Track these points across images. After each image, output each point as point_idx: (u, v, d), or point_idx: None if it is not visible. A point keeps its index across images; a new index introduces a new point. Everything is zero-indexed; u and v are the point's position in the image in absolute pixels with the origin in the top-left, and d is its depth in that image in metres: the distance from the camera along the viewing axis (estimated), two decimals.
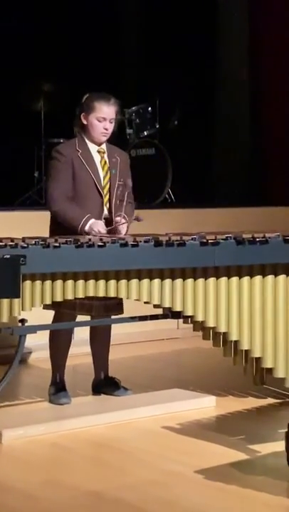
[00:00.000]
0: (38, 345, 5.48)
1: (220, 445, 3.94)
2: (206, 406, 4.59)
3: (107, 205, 4.57)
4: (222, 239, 4.22)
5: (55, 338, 4.66)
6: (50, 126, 7.86)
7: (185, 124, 8.18)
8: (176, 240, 4.15)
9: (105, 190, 4.57)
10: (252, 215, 7.11)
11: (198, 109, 8.48)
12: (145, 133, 7.83)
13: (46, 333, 4.68)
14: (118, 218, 4.53)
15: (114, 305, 4.59)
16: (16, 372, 4.22)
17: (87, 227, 4.41)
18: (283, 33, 8.08)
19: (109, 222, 4.55)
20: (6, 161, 7.91)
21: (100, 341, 4.75)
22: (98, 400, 4.70)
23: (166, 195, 7.73)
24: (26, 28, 8.42)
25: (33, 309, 4.05)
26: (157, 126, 7.90)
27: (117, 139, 7.77)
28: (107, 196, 4.57)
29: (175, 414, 4.44)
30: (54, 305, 4.29)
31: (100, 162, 4.61)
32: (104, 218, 4.55)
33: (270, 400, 4.71)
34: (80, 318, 4.68)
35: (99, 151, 4.62)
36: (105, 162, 4.62)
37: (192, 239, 4.18)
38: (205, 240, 4.19)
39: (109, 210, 4.58)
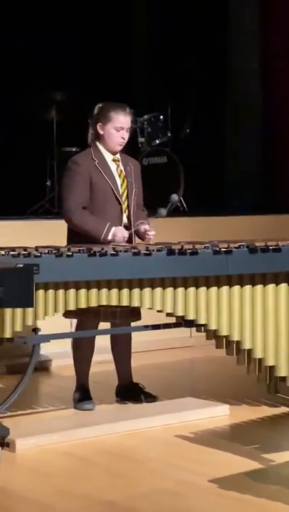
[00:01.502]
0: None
1: (234, 454, 3.92)
2: (219, 415, 4.57)
3: (126, 212, 4.60)
4: (235, 247, 4.21)
5: (79, 346, 4.69)
6: (63, 135, 7.88)
7: (197, 133, 8.18)
8: (189, 249, 4.14)
9: (123, 198, 4.61)
10: (264, 223, 7.09)
11: (209, 117, 8.48)
12: (157, 141, 7.84)
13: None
14: (147, 226, 4.59)
15: (137, 310, 4.59)
16: (31, 380, 4.22)
17: (110, 236, 4.44)
18: None
19: (128, 229, 4.59)
20: (18, 170, 7.94)
21: (121, 347, 4.78)
22: (112, 409, 4.69)
23: (178, 204, 7.72)
24: (38, 38, 8.45)
25: (48, 318, 4.05)
26: (169, 135, 7.91)
27: (128, 148, 7.80)
28: (126, 203, 4.61)
29: (188, 423, 4.43)
30: (76, 313, 4.31)
31: (116, 170, 4.64)
32: (123, 225, 4.58)
33: (284, 409, 4.68)
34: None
35: (114, 160, 4.66)
36: (121, 170, 4.65)
37: (205, 247, 4.17)
38: (218, 249, 4.18)
39: (128, 217, 4.61)
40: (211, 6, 8.67)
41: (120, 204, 4.58)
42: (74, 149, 7.76)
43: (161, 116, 7.89)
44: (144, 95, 8.84)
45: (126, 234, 4.50)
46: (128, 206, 4.61)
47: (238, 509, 3.31)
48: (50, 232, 5.48)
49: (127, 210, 4.61)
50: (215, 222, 7.02)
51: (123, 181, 4.63)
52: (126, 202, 4.61)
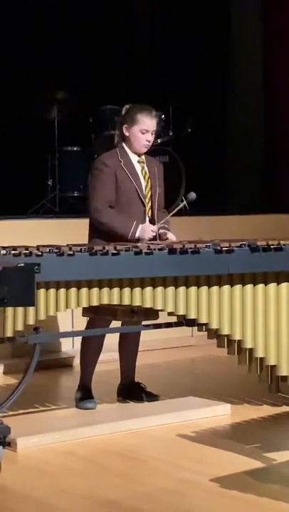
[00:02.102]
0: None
1: (235, 453, 3.92)
2: (220, 414, 4.57)
3: (149, 213, 4.68)
4: (236, 246, 4.21)
5: (87, 345, 4.71)
6: (64, 134, 7.88)
7: (198, 132, 8.17)
8: (191, 248, 4.14)
9: (147, 199, 4.67)
10: (266, 223, 7.09)
11: (211, 116, 8.48)
12: (158, 140, 7.83)
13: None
14: (169, 235, 4.66)
15: (153, 310, 4.59)
16: (32, 379, 4.22)
17: (137, 234, 4.51)
18: None
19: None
20: (19, 169, 7.93)
21: (129, 347, 4.81)
22: (113, 408, 4.69)
23: (180, 203, 7.72)
24: (39, 37, 8.45)
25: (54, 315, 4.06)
26: (171, 134, 7.90)
27: None
28: (149, 205, 4.68)
29: (190, 423, 4.43)
30: (93, 311, 4.33)
31: (141, 172, 4.70)
32: None
33: (286, 408, 4.68)
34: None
35: (139, 161, 4.72)
36: (146, 172, 4.71)
37: (206, 246, 4.17)
38: (219, 248, 4.18)
39: (151, 218, 4.68)
40: (213, 5, 8.67)
41: (144, 205, 4.65)
42: (75, 148, 7.77)
43: (163, 116, 7.88)
44: (145, 95, 8.79)
45: (154, 228, 4.56)
46: (151, 207, 4.68)
47: (239, 508, 3.31)
48: (52, 232, 5.50)
49: (150, 211, 4.68)
50: (216, 221, 7.02)
51: (147, 183, 4.70)
52: (149, 203, 4.68)
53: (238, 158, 8.53)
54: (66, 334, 4.71)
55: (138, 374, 4.89)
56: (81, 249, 4.02)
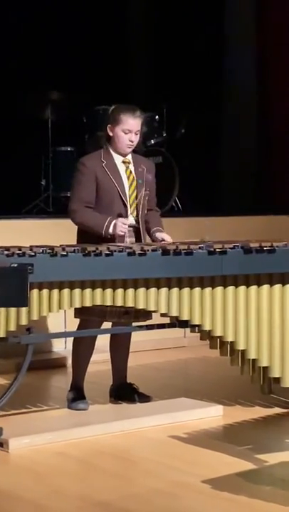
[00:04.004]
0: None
1: (227, 455, 3.93)
2: (213, 415, 4.57)
3: (134, 214, 4.62)
4: (229, 248, 4.21)
5: (79, 346, 4.70)
6: (58, 134, 7.88)
7: (192, 133, 8.18)
8: (184, 249, 4.15)
9: (131, 200, 4.64)
10: (259, 224, 7.10)
11: (205, 117, 8.48)
12: (152, 141, 7.84)
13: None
14: (164, 235, 4.64)
15: (144, 311, 4.59)
16: (25, 380, 4.22)
17: (111, 229, 4.47)
18: None
19: (137, 230, 4.62)
20: (13, 169, 7.92)
21: (120, 348, 4.80)
22: (105, 409, 4.69)
23: (173, 204, 7.73)
24: (33, 37, 8.44)
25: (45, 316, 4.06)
26: (164, 135, 7.90)
27: None
28: (134, 206, 4.63)
29: (182, 424, 4.43)
30: (83, 313, 4.32)
31: (125, 172, 4.67)
32: (131, 227, 4.61)
33: (278, 410, 4.69)
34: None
35: (124, 162, 4.70)
36: (130, 172, 4.68)
37: (199, 248, 4.18)
38: (212, 249, 4.19)
39: (136, 219, 4.65)
40: (208, 6, 8.67)
41: (126, 206, 4.61)
42: (69, 148, 7.76)
43: (157, 117, 7.89)
44: (139, 95, 8.82)
45: (126, 221, 4.53)
46: (136, 208, 4.64)
47: (231, 510, 3.31)
48: (45, 232, 5.49)
49: (135, 212, 4.64)
50: (210, 222, 7.02)
51: (132, 183, 4.66)
52: (134, 204, 4.64)
53: (232, 159, 8.54)
54: (59, 335, 4.71)
55: (130, 375, 4.88)
56: (74, 249, 4.02)
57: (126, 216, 4.60)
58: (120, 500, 3.42)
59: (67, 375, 5.21)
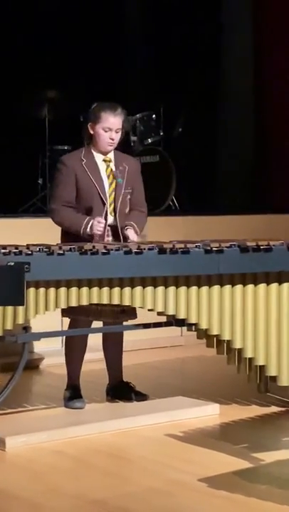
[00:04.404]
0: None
1: (224, 453, 3.93)
2: (209, 414, 4.57)
3: (113, 213, 4.58)
4: (226, 247, 4.21)
5: (71, 344, 4.69)
6: (55, 133, 7.87)
7: (189, 132, 8.18)
8: (181, 248, 4.14)
9: (111, 199, 4.59)
10: (256, 223, 7.10)
11: (202, 116, 8.48)
12: (149, 140, 7.84)
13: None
14: (129, 232, 4.53)
15: (129, 310, 4.59)
16: (22, 378, 4.22)
17: (89, 229, 4.45)
18: (287, 43, 8.09)
19: (116, 229, 4.57)
20: (10, 168, 7.92)
21: (113, 347, 4.79)
22: (102, 407, 4.69)
23: (170, 203, 7.73)
24: (31, 35, 8.43)
25: (40, 316, 4.05)
26: (161, 134, 7.91)
27: (121, 146, 7.76)
28: (113, 205, 4.59)
29: (178, 422, 4.43)
30: (70, 312, 4.31)
31: (106, 171, 4.62)
32: (110, 226, 4.57)
33: (274, 408, 4.69)
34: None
35: (105, 160, 4.64)
36: (111, 170, 4.63)
37: (196, 246, 4.18)
38: (209, 248, 4.19)
39: (116, 218, 4.60)
40: (204, 6, 8.67)
41: (105, 205, 4.56)
42: (66, 147, 7.76)
43: (154, 115, 7.90)
44: (136, 94, 8.83)
45: (102, 220, 4.47)
46: (115, 208, 4.58)
47: (227, 508, 3.31)
48: (42, 231, 5.48)
49: (114, 212, 4.59)
50: (206, 221, 7.03)
51: (112, 182, 4.61)
52: (113, 203, 4.59)
53: (228, 158, 8.54)
54: (55, 334, 4.71)
55: (127, 373, 4.89)
56: (71, 248, 4.02)
57: (105, 215, 4.55)
58: (116, 498, 3.42)
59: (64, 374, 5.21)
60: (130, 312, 4.60)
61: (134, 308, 4.57)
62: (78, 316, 4.53)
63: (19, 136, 8.06)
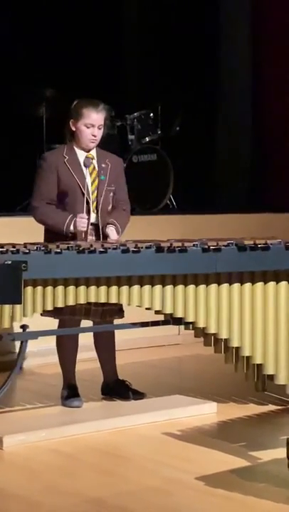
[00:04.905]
0: (37, 351, 5.50)
1: (221, 452, 3.93)
2: (207, 412, 4.58)
3: (95, 211, 4.57)
4: (224, 245, 4.21)
5: (62, 344, 4.68)
6: (52, 131, 7.86)
7: (187, 130, 8.17)
8: (178, 246, 4.15)
9: (93, 197, 4.58)
10: (253, 222, 7.11)
11: (199, 115, 8.48)
12: (147, 139, 7.83)
13: (46, 339, 4.68)
14: (112, 234, 4.50)
15: (115, 310, 4.59)
16: (18, 378, 4.21)
17: (72, 227, 4.43)
18: (285, 41, 8.09)
19: (98, 228, 4.55)
20: (7, 166, 7.91)
21: (104, 346, 4.78)
22: (99, 406, 4.69)
23: (168, 201, 7.72)
24: (28, 34, 8.43)
25: (34, 315, 4.05)
26: (159, 133, 7.90)
27: (118, 145, 7.77)
28: (96, 202, 4.57)
29: (176, 421, 4.43)
30: (54, 311, 4.30)
31: (88, 168, 4.59)
32: (92, 224, 4.55)
33: (272, 407, 4.70)
34: (83, 323, 4.70)
35: (87, 157, 4.61)
36: (94, 168, 4.61)
37: (194, 245, 4.18)
38: (207, 247, 4.19)
39: (97, 216, 4.57)
40: (202, 4, 8.67)
41: (88, 203, 4.54)
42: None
43: (151, 114, 7.88)
44: (134, 93, 8.83)
45: (84, 216, 4.44)
46: (97, 205, 4.57)
47: (225, 507, 3.32)
48: (39, 229, 5.47)
49: (96, 209, 4.56)
50: (204, 220, 7.03)
51: (94, 179, 4.59)
52: (96, 201, 4.57)
53: (226, 156, 8.54)
54: (52, 332, 4.70)
55: (124, 372, 4.89)
56: (68, 247, 4.02)
57: (88, 213, 4.52)
58: (114, 497, 3.42)
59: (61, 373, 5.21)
60: (115, 311, 4.58)
61: (121, 307, 4.56)
62: (64, 316, 4.51)
63: (17, 135, 8.05)
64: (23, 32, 8.43)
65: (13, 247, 3.95)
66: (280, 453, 3.73)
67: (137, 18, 9.30)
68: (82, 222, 4.44)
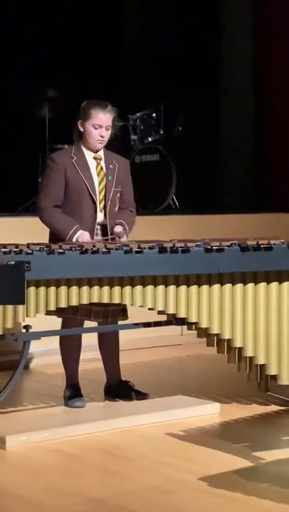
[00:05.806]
0: (40, 351, 5.50)
1: (224, 452, 3.93)
2: (209, 413, 4.58)
3: (103, 211, 4.58)
4: (226, 246, 4.22)
5: (65, 344, 4.69)
6: (55, 132, 7.87)
7: (189, 130, 8.18)
8: (181, 247, 4.15)
9: (100, 197, 4.58)
10: (256, 222, 7.10)
11: (202, 115, 8.48)
12: (149, 139, 7.83)
13: (49, 339, 4.68)
14: (119, 230, 4.52)
15: (118, 311, 4.59)
16: (20, 378, 4.22)
17: (75, 239, 4.42)
18: (287, 40, 8.09)
19: (105, 228, 4.56)
20: (10, 166, 7.92)
21: (108, 346, 4.78)
22: (102, 406, 4.69)
23: (170, 202, 7.72)
24: (31, 34, 8.44)
25: (37, 315, 4.05)
26: (161, 133, 7.90)
27: (121, 145, 7.76)
28: (103, 203, 4.58)
29: (178, 421, 4.43)
30: (58, 311, 4.30)
31: (96, 168, 4.60)
32: (99, 224, 4.56)
33: (274, 407, 4.70)
34: (86, 323, 4.70)
35: (95, 158, 4.62)
36: (101, 168, 4.62)
37: (197, 245, 4.18)
38: (209, 247, 4.19)
39: (105, 216, 4.58)
40: (203, 4, 8.67)
41: (95, 203, 4.55)
42: (66, 146, 7.74)
43: (154, 114, 7.89)
44: (136, 93, 8.83)
45: (87, 234, 4.43)
46: (105, 205, 4.57)
47: (227, 507, 3.32)
48: (42, 230, 5.47)
49: (104, 210, 4.57)
50: (207, 220, 7.03)
51: (102, 180, 4.60)
52: (103, 201, 4.58)
53: (229, 157, 8.54)
54: (55, 333, 4.71)
55: (127, 372, 4.89)
56: (71, 247, 4.02)
57: (95, 214, 4.52)
58: (116, 497, 3.43)
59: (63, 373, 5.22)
60: (118, 312, 4.58)
61: (124, 308, 4.56)
62: (67, 315, 4.52)
63: (19, 135, 8.06)
64: (26, 32, 8.44)
65: (16, 247, 3.96)
66: (282, 453, 3.74)
67: (139, 18, 9.31)
68: (84, 239, 4.42)
